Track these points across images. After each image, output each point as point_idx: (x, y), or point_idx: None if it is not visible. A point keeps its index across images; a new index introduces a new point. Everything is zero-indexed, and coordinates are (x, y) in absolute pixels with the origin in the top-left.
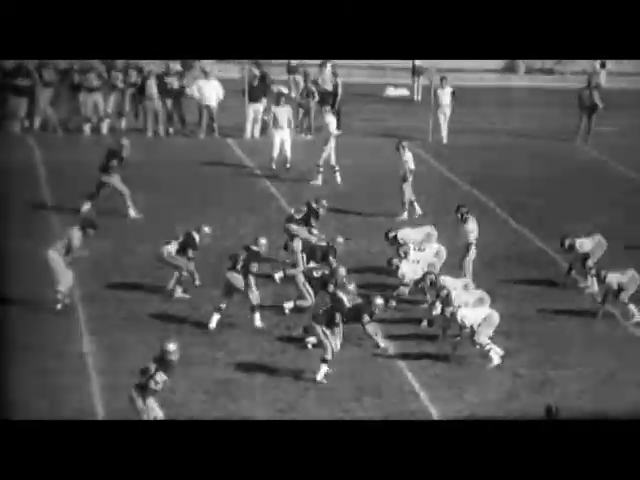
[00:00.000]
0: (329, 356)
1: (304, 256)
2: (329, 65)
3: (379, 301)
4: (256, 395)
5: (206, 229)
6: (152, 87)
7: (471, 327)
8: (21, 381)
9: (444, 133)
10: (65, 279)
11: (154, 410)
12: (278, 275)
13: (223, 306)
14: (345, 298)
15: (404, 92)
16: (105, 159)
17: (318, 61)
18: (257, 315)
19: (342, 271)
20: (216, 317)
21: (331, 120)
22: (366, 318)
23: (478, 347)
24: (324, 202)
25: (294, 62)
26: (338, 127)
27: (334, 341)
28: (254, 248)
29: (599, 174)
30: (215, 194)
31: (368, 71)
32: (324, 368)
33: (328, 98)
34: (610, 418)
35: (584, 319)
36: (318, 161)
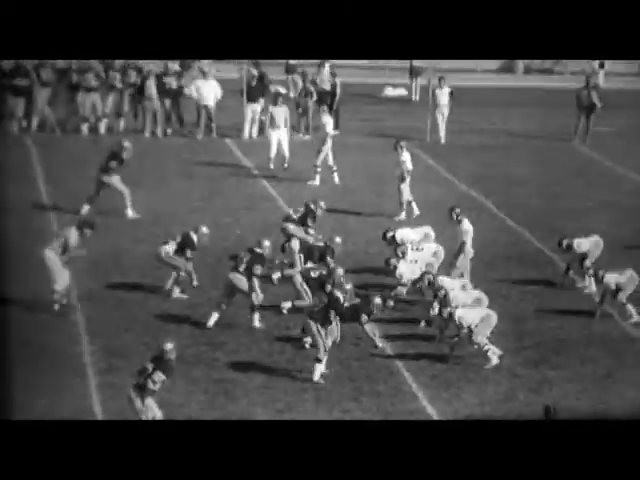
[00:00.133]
0: (322, 355)
1: (302, 256)
2: (327, 65)
3: (377, 301)
4: (255, 395)
5: (204, 229)
6: (151, 87)
7: (469, 327)
8: (20, 381)
9: (442, 133)
10: (61, 279)
11: (153, 410)
12: (276, 275)
13: (224, 306)
14: (342, 297)
15: (402, 92)
16: (105, 160)
17: (316, 61)
18: (256, 315)
19: (340, 271)
20: (215, 316)
21: (328, 120)
22: (364, 318)
23: (476, 347)
24: (322, 203)
25: (292, 62)
26: (336, 127)
27: (328, 340)
28: (258, 250)
29: (597, 174)
30: (213, 194)
31: (366, 71)
32: (318, 367)
33: (326, 98)
34: (608, 418)
35: (582, 319)
36: (315, 161)
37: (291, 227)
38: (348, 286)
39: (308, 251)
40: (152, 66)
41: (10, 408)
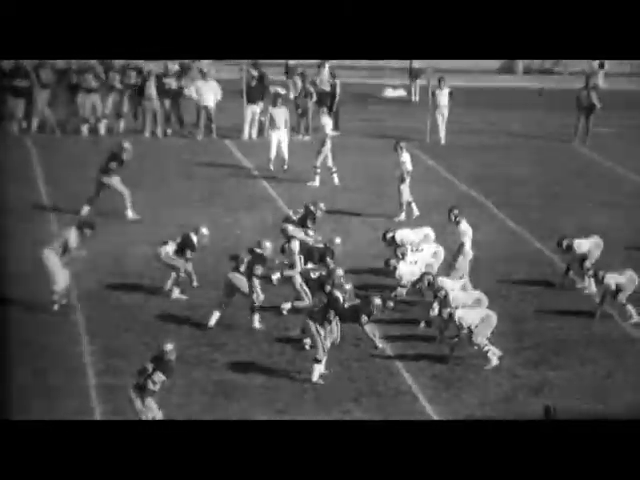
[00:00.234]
0: (321, 356)
1: (301, 257)
2: (327, 66)
3: (377, 301)
4: (254, 396)
5: (204, 230)
6: (151, 88)
7: (469, 328)
8: (20, 381)
9: (442, 134)
10: (61, 279)
11: (153, 410)
12: (275, 276)
13: (225, 306)
14: (341, 297)
15: (402, 93)
16: (105, 161)
17: (316, 62)
18: (256, 316)
19: (339, 272)
20: (216, 315)
21: (327, 121)
22: (364, 318)
23: (476, 348)
24: (322, 205)
25: (292, 63)
26: (336, 128)
27: (327, 341)
28: (258, 251)
29: (597, 175)
30: (213, 195)
31: (366, 72)
32: (317, 368)
33: (326, 99)
34: (608, 418)
35: (582, 320)
36: (315, 162)
37: (290, 228)
38: (348, 286)
39: (308, 252)
40: (152, 67)
41: (10, 408)
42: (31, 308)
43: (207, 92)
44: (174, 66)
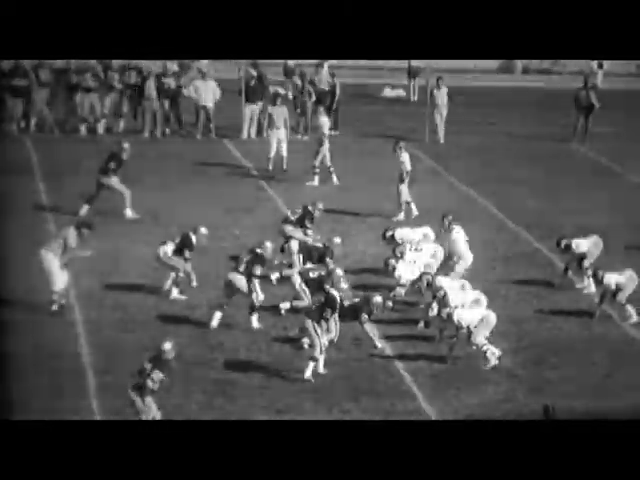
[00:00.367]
0: (317, 354)
1: (301, 257)
2: (326, 65)
3: (378, 300)
4: (254, 396)
5: (203, 230)
6: (151, 88)
7: (468, 328)
8: (19, 381)
9: (441, 133)
10: (59, 279)
11: (152, 410)
12: (274, 276)
13: (225, 306)
14: (338, 295)
15: (401, 93)
16: (105, 161)
17: (315, 61)
18: (255, 316)
19: (338, 272)
20: (218, 316)
21: (325, 121)
22: (364, 317)
23: (475, 348)
24: (320, 205)
25: (291, 64)
26: (336, 128)
27: (324, 339)
28: (258, 251)
29: (596, 174)
30: (212, 195)
31: (365, 72)
32: (311, 365)
33: (325, 98)
34: (607, 418)
35: (581, 320)
36: (314, 162)
37: (289, 228)
38: (345, 286)
39: (307, 252)
40: (152, 67)
41: (9, 408)
42: (30, 308)
43: (206, 92)
44: (173, 66)
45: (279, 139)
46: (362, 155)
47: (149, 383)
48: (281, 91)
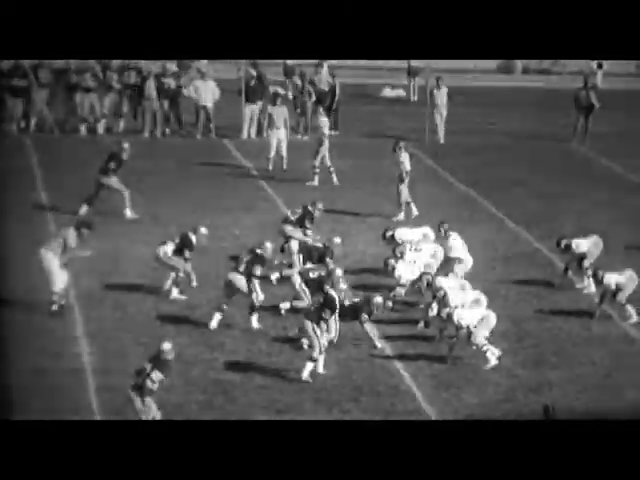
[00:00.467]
0: (317, 355)
1: (300, 257)
2: (325, 65)
3: (378, 300)
4: (253, 396)
5: (203, 230)
6: (151, 88)
7: (468, 328)
8: (19, 381)
9: (441, 133)
10: (59, 279)
11: (152, 410)
12: (274, 276)
13: (225, 307)
14: (337, 296)
15: (400, 93)
16: (105, 161)
17: (315, 61)
18: (255, 316)
19: (338, 272)
20: (217, 317)
21: (324, 121)
22: (364, 317)
23: (475, 348)
24: (320, 205)
25: (290, 63)
26: (336, 128)
27: (323, 339)
28: (258, 251)
29: (595, 174)
30: (212, 195)
31: (364, 72)
32: (309, 366)
33: (325, 98)
34: (607, 418)
35: (581, 320)
36: (313, 162)
37: (289, 228)
38: (343, 286)
39: (307, 252)
40: (152, 67)
41: (9, 408)
42: (30, 308)
43: (206, 92)
44: (172, 66)
45: (279, 139)
46: (362, 155)
47: (148, 383)
48: (281, 91)
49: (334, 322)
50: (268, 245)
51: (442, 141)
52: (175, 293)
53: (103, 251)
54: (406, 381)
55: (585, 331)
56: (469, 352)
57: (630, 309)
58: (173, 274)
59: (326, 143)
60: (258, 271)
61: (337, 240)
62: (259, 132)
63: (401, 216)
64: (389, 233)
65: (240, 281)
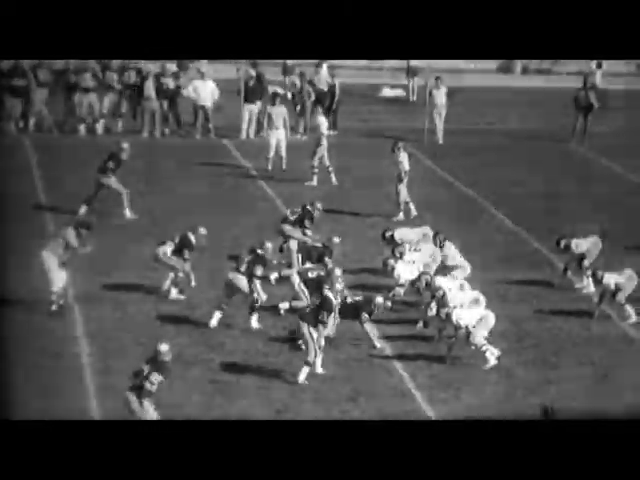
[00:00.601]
0: (312, 358)
1: (300, 257)
2: (325, 65)
3: (379, 300)
4: (252, 396)
5: (202, 230)
6: (150, 88)
7: (467, 328)
8: (19, 381)
9: (440, 134)
10: (58, 279)
11: (149, 412)
12: (273, 276)
13: (225, 306)
14: (333, 297)
15: (400, 93)
16: (104, 161)
17: (314, 61)
18: (255, 316)
19: (337, 272)
20: (217, 316)
21: (322, 121)
22: (365, 317)
23: (474, 348)
24: (319, 205)
25: (290, 63)
26: (335, 128)
27: (321, 340)
28: (259, 252)
29: (595, 174)
30: (211, 195)
31: (364, 71)
32: (305, 370)
33: (324, 98)
34: (607, 418)
35: (580, 320)
36: (312, 162)
37: (288, 228)
38: (339, 286)
39: (306, 252)
40: (151, 67)
41: (9, 408)
42: (29, 309)
43: (205, 92)
44: (172, 66)
45: (278, 139)
46: (361, 155)
47: (147, 385)
48: (280, 91)
49: (332, 318)
50: (269, 246)
51: (441, 141)
52: (174, 293)
53: (103, 251)
54: (405, 381)
55: (584, 331)
56: (468, 352)
57: (629, 309)
58: (172, 274)
59: (325, 143)
60: (259, 271)
61: (336, 240)
62: (258, 132)
63: (400, 216)
64: (389, 233)
65: (241, 281)
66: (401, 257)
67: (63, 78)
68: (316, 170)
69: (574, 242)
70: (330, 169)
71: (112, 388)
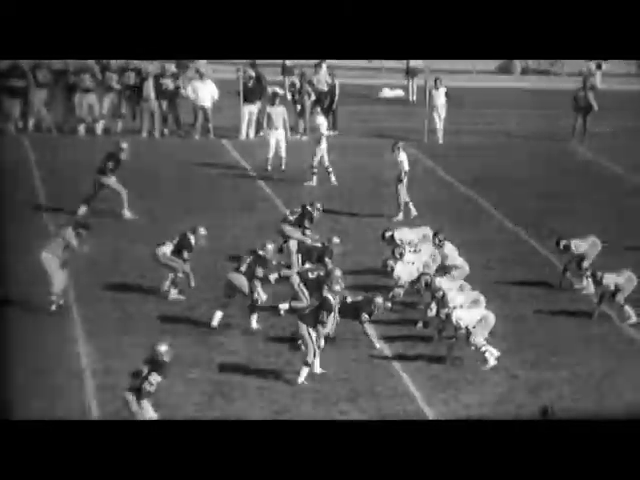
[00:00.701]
0: (311, 359)
1: (299, 257)
2: (324, 65)
3: (379, 300)
4: (252, 396)
5: (201, 230)
6: (149, 88)
7: (466, 328)
8: (18, 381)
9: (440, 134)
10: (58, 280)
11: (149, 412)
12: (273, 276)
13: (226, 306)
14: (332, 297)
15: (399, 93)
16: (103, 161)
17: (314, 61)
18: (255, 317)
19: (337, 272)
20: (219, 315)
21: (322, 121)
22: (365, 317)
23: (473, 348)
24: (319, 205)
25: (289, 63)
26: (335, 128)
27: (320, 340)
28: (260, 253)
29: (594, 175)
30: (210, 195)
31: (363, 72)
32: (305, 371)
33: (324, 98)
34: (606, 419)
35: (580, 320)
36: (312, 162)
37: (287, 228)
38: (337, 287)
39: (306, 252)
40: (150, 67)
41: (9, 408)
42: (29, 309)
43: (204, 92)
44: (171, 66)
45: (277, 139)
46: (360, 155)
47: (146, 386)
48: (279, 91)
49: (332, 318)
50: (270, 247)
51: (441, 141)
52: (174, 294)
53: (102, 251)
54: (405, 381)
55: (584, 332)
56: (468, 352)
57: (629, 310)
58: (171, 275)
59: (324, 143)
60: (260, 272)
61: (336, 240)
62: (258, 132)
63: (400, 216)
64: (388, 234)
65: (241, 282)
66: (401, 258)
67: (62, 78)
68: (316, 170)
69: (574, 243)
70: (330, 169)
71: (112, 388)
